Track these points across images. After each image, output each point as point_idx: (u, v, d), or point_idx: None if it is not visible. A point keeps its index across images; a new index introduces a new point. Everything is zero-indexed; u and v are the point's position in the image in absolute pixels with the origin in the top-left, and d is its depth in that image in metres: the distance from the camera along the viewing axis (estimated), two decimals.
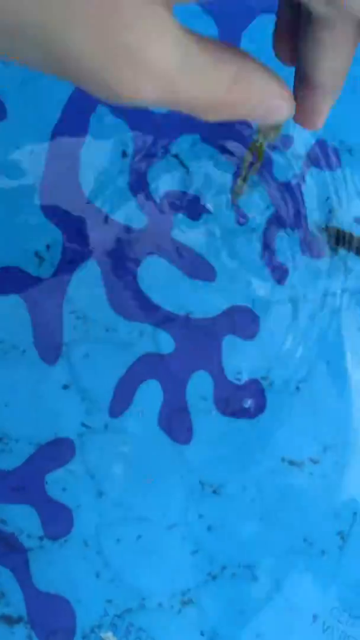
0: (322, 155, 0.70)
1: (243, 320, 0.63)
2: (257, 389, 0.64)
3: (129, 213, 0.59)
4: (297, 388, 0.66)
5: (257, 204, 0.66)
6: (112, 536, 0.57)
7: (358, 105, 0.74)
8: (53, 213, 0.55)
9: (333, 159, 0.71)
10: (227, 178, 0.63)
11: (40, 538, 0.55)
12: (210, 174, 0.62)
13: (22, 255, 0.54)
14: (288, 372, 0.65)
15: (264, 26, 0.68)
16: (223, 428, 0.62)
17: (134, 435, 0.58)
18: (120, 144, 0.59)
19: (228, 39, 0.66)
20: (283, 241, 0.67)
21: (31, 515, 0.55)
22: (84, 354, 0.57)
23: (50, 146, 0.54)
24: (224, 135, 0.63)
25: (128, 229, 0.59)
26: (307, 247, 0.69)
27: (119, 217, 0.58)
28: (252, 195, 0.65)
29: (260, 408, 0.64)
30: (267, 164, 0.67)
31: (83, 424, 0.57)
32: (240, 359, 0.64)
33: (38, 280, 0.55)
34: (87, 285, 0.57)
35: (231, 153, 0.65)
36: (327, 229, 0.70)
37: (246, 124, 0.65)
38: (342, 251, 0.71)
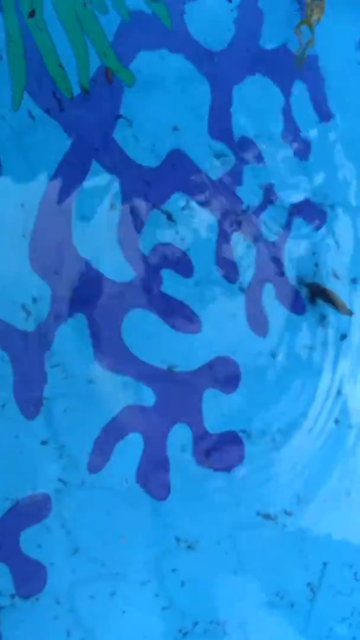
0: (307, 212, 0.72)
1: (225, 373, 0.64)
2: (235, 441, 0.65)
3: (117, 266, 0.59)
4: (275, 440, 0.67)
5: (244, 259, 0.67)
6: (86, 593, 0.57)
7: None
8: (41, 266, 0.54)
9: (317, 215, 0.73)
10: (214, 236, 0.64)
11: (12, 596, 0.54)
12: (198, 231, 0.63)
13: (9, 308, 0.53)
14: (267, 425, 0.66)
15: (253, 86, 0.70)
16: (200, 482, 0.62)
17: (111, 491, 0.57)
18: (110, 198, 0.59)
19: (220, 95, 0.67)
20: (267, 295, 0.68)
21: (3, 573, 0.54)
22: (65, 408, 0.56)
23: (42, 200, 0.54)
24: (213, 195, 0.64)
25: (115, 283, 0.59)
26: (288, 301, 0.70)
27: (107, 270, 0.58)
28: (239, 251, 0.66)
29: (238, 460, 0.65)
30: (253, 219, 0.69)
31: (60, 480, 0.56)
32: (221, 411, 0.64)
33: (23, 334, 0.54)
34: (72, 338, 0.56)
35: (218, 212, 0.65)
36: (308, 284, 0.71)
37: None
38: (321, 305, 0.72)
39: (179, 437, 0.62)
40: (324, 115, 0.73)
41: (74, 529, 0.56)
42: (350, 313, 0.71)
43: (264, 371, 0.67)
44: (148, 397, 0.61)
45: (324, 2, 0.70)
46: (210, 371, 0.63)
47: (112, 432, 0.58)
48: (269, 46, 0.69)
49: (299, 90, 0.72)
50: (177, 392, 0.61)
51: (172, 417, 0.62)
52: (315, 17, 0.71)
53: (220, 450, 0.64)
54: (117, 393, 0.59)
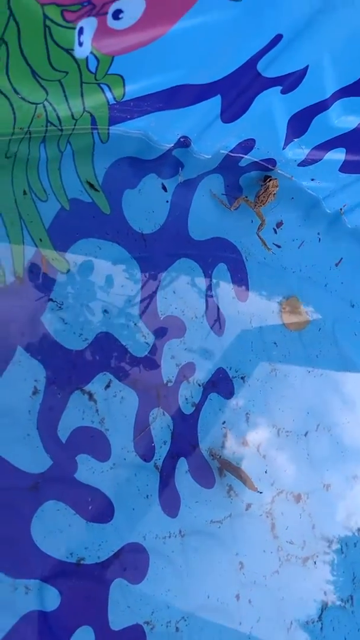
0: (220, 383, 0.76)
1: (133, 561, 0.63)
2: (138, 635, 0.63)
3: (33, 456, 0.57)
4: (177, 629, 0.65)
5: (160, 435, 0.68)
6: None
7: (248, 333, 0.83)
8: None
9: (229, 386, 0.77)
10: (132, 417, 0.64)
11: None
12: (119, 410, 0.63)
13: None
14: (170, 614, 0.65)
15: (180, 268, 0.74)
16: None
17: None
18: (32, 383, 0.57)
19: (150, 278, 0.70)
20: (180, 470, 0.69)
21: None
22: None
23: None
24: (136, 373, 0.65)
25: (28, 474, 0.56)
26: (197, 475, 0.72)
27: (21, 462, 0.56)
28: (156, 427, 0.67)
29: None
30: (172, 394, 0.71)
31: None
32: (127, 603, 0.62)
33: None
34: None
35: (140, 389, 0.66)
36: (218, 458, 0.74)
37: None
38: (229, 477, 0.75)
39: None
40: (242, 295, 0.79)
41: None
42: (257, 490, 0.75)
43: (173, 555, 0.67)
44: (52, 600, 0.57)
45: (272, 187, 0.78)
46: (119, 560, 0.61)
47: None
48: (197, 237, 0.75)
49: (221, 271, 0.78)
50: (83, 589, 0.58)
51: (76, 621, 0.58)
52: (268, 201, 0.79)
53: None
54: (18, 597, 0.54)
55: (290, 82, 0.61)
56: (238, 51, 0.54)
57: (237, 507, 0.74)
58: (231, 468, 0.72)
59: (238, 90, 0.61)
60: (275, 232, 0.86)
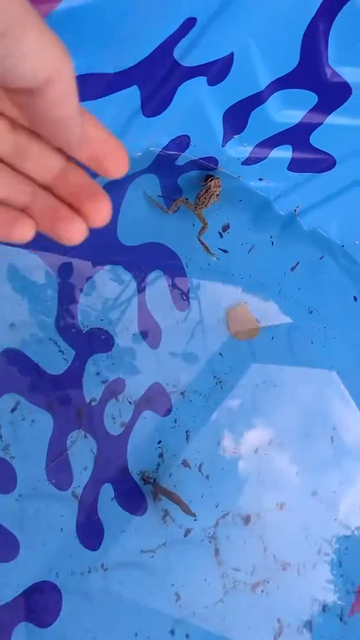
0: (156, 399, 0.70)
1: (43, 601, 0.57)
2: None
3: None
4: None
5: (80, 459, 0.62)
6: None
7: (188, 344, 0.77)
8: None
9: (166, 402, 0.71)
10: (45, 442, 0.58)
11: None
12: (34, 437, 0.57)
13: None
14: None
15: (107, 276, 0.69)
16: None
17: None
18: None
19: (69, 287, 0.64)
20: (104, 498, 0.64)
21: None
22: None
23: None
24: (53, 393, 0.59)
25: None
26: (126, 501, 0.66)
27: None
28: (75, 451, 0.61)
29: None
30: (97, 414, 0.65)
31: None
32: None
33: None
34: None
35: (57, 409, 0.61)
36: (151, 482, 0.68)
37: None
38: (164, 501, 0.69)
39: None
40: None
41: None
42: (193, 515, 0.69)
43: (93, 592, 0.61)
44: None
45: (214, 187, 0.73)
46: (24, 601, 0.56)
47: None
48: (128, 243, 0.69)
49: (156, 279, 0.72)
50: None
51: None
52: (210, 202, 0.73)
53: None
54: None
55: (215, 72, 0.55)
56: (145, 37, 0.49)
57: (173, 533, 0.69)
58: (165, 492, 0.66)
59: (156, 81, 0.55)
60: (222, 236, 0.80)
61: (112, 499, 0.63)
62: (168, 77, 0.55)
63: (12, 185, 0.23)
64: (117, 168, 0.24)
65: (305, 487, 0.83)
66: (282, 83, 0.59)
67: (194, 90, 0.57)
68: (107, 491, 0.63)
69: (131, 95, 0.57)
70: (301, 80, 0.59)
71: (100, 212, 0.24)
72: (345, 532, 0.87)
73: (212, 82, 0.57)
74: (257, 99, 0.61)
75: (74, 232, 0.24)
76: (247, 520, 0.77)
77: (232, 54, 0.54)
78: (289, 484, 0.82)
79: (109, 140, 0.23)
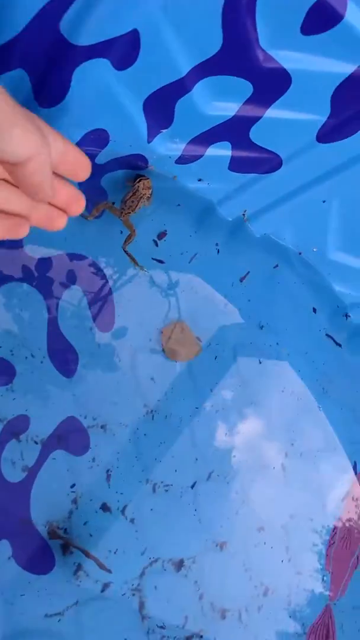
0: (69, 436, 0.61)
1: None
2: None
3: None
4: None
5: None
6: None
7: (112, 371, 0.67)
8: None
9: (82, 438, 0.62)
10: None
11: None
12: None
13: None
14: None
15: (10, 294, 0.59)
16: None
17: None
18: None
19: None
20: (3, 556, 0.55)
21: None
22: None
23: None
24: None
25: None
26: (27, 559, 0.57)
27: None
28: None
29: None
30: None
31: None
32: None
33: None
34: None
35: None
36: (59, 534, 0.59)
37: None
38: (76, 554, 0.60)
39: None
40: None
41: None
42: (108, 570, 0.60)
43: None
44: None
45: (142, 189, 0.63)
46: None
47: None
48: (38, 255, 0.59)
49: (72, 296, 0.63)
50: None
51: None
52: (139, 206, 0.63)
53: None
54: None
55: (118, 53, 0.45)
56: (10, 7, 0.38)
57: (87, 590, 0.60)
58: (77, 547, 0.58)
59: (44, 63, 0.45)
60: (157, 244, 0.71)
61: (9, 558, 0.54)
62: (57, 58, 0.44)
63: (21, 202, 0.33)
64: (84, 175, 0.34)
65: (250, 523, 0.75)
66: (206, 68, 0.49)
67: (96, 75, 0.47)
68: (3, 550, 0.54)
69: (19, 81, 0.46)
70: (228, 66, 0.49)
71: (81, 206, 0.35)
72: (295, 569, 0.79)
73: (118, 66, 0.47)
74: (180, 87, 0.51)
75: (62, 224, 0.35)
76: (179, 565, 0.68)
77: (136, 31, 0.43)
78: (230, 521, 0.73)
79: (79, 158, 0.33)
